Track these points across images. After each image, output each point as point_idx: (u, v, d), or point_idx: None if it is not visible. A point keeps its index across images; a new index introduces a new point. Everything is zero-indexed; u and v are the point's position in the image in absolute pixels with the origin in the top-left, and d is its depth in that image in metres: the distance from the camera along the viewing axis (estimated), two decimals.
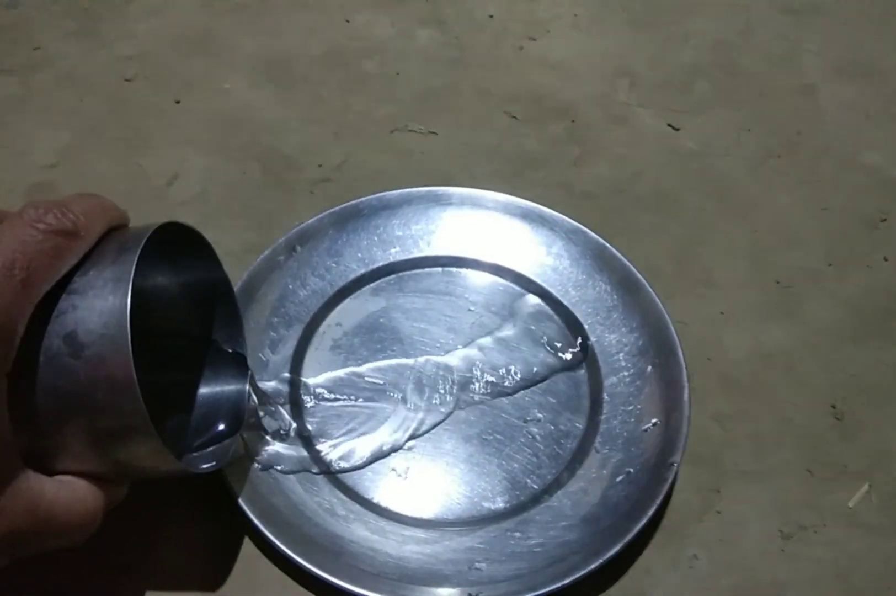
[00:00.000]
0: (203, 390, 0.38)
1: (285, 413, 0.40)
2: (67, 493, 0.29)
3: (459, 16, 0.59)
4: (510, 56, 0.58)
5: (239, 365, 0.38)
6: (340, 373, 0.42)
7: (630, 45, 0.58)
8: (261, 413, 0.39)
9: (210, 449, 0.35)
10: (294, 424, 0.40)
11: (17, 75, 0.54)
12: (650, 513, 0.36)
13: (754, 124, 0.54)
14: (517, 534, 0.37)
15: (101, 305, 0.28)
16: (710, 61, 0.58)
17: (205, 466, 0.34)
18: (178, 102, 0.53)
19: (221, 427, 0.36)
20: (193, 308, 0.38)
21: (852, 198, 0.50)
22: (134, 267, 0.29)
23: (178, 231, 0.33)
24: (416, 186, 0.47)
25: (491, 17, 0.60)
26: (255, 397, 0.37)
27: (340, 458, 0.39)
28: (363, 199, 0.46)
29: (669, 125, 0.54)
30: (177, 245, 0.34)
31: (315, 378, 0.42)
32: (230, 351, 0.38)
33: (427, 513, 0.38)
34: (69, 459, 0.29)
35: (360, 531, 0.37)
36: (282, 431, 0.39)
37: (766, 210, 0.50)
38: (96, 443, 0.29)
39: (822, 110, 0.55)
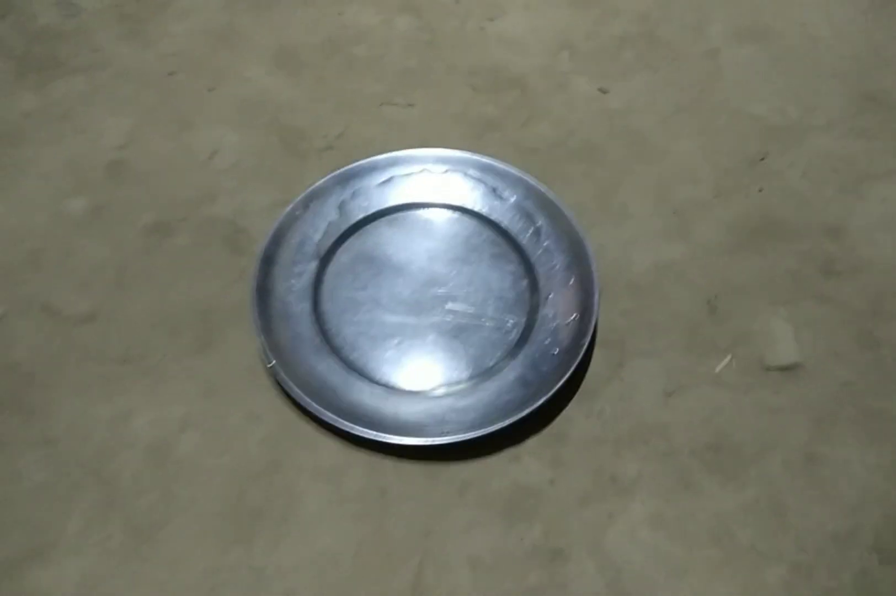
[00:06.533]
0: None
1: None
2: None
3: (431, 3, 0.73)
4: (473, 36, 0.71)
5: None
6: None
7: (571, 21, 0.72)
8: None
9: None
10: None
11: (84, 74, 0.69)
12: (567, 375, 0.52)
13: (668, 85, 0.68)
14: (475, 395, 0.53)
15: None
16: (635, 32, 0.71)
17: None
18: (210, 90, 0.68)
19: None
20: None
21: (739, 142, 0.64)
22: None
23: None
24: (400, 149, 0.62)
25: (457, 2, 0.73)
26: None
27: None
28: (358, 163, 0.61)
29: (600, 89, 0.68)
30: None
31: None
32: None
33: (413, 385, 0.54)
34: None
35: (362, 396, 0.53)
36: None
37: (671, 156, 0.64)
38: None
39: (721, 70, 0.68)
